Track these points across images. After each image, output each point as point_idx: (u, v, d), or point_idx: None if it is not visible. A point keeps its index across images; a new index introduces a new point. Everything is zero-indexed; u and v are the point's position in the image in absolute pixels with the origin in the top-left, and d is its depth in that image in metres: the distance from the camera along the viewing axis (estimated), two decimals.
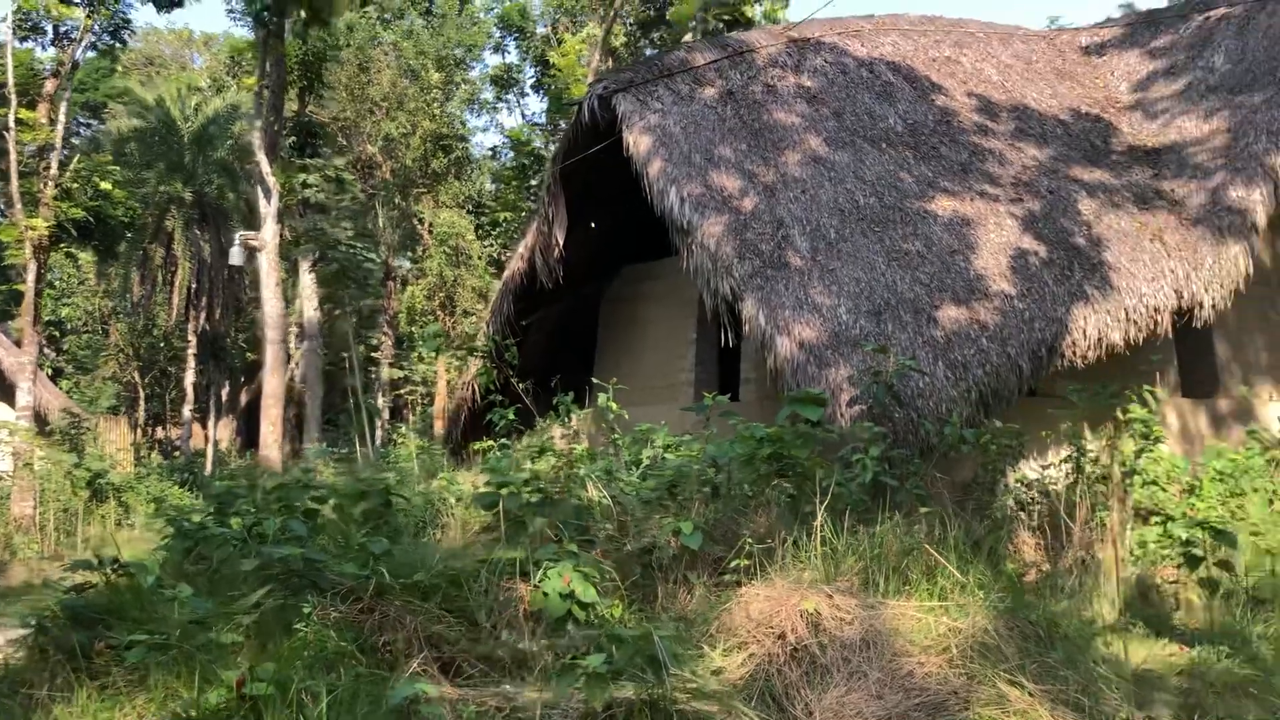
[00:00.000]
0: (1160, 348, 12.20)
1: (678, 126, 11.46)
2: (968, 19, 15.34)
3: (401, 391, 26.94)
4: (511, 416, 11.54)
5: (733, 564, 5.96)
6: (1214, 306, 11.15)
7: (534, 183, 26.47)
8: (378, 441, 25.37)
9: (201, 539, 6.72)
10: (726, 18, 24.03)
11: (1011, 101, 13.35)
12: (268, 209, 16.44)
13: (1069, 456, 8.83)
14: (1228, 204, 11.61)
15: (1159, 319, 10.88)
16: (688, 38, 22.93)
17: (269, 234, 16.40)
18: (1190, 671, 5.60)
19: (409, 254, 28.32)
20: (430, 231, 26.29)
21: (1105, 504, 8.41)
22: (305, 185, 19.27)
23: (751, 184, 11.00)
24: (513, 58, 33.29)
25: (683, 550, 6.40)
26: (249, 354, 36.86)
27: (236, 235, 18.47)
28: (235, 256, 17.78)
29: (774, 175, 11.16)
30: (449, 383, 27.40)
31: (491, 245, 31.75)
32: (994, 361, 9.75)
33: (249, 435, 40.07)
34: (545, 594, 5.41)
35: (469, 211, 29.26)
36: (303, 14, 15.34)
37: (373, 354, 31.70)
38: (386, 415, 30.78)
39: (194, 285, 28.02)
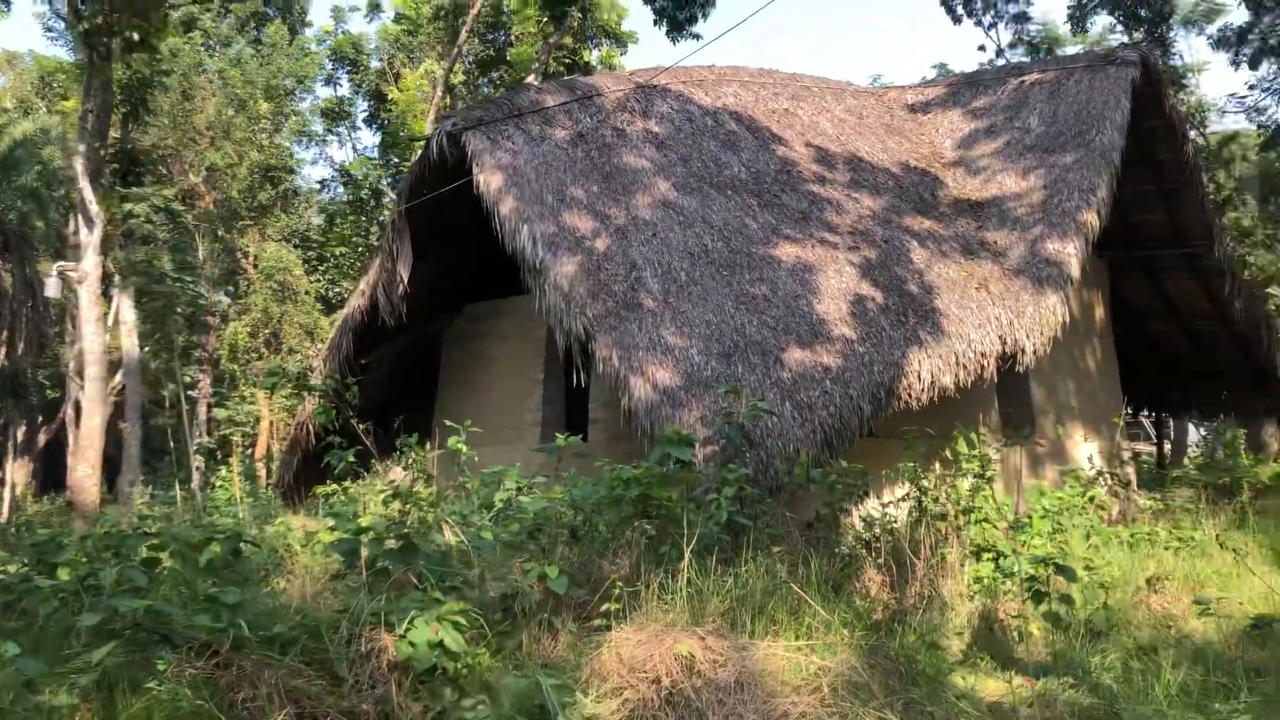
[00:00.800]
0: (983, 391, 12.89)
1: (529, 166, 11.44)
2: (802, 74, 15.95)
3: (227, 432, 25.70)
4: (352, 459, 11.17)
5: (602, 608, 5.89)
6: (1034, 352, 11.82)
7: (371, 217, 25.89)
8: (196, 484, 24.15)
9: (24, 592, 6.19)
10: (567, 60, 24.27)
11: (846, 153, 13.91)
12: (89, 239, 15.42)
13: (909, 495, 9.14)
14: (1045, 256, 12.37)
15: (985, 363, 11.45)
16: (531, 78, 23.00)
17: (90, 265, 15.37)
18: (1039, 703, 5.84)
19: (230, 288, 27.23)
20: (255, 266, 25.35)
21: (945, 541, 8.75)
22: (131, 215, 18.20)
23: (604, 225, 11.07)
24: (344, 91, 32.71)
25: (547, 595, 6.30)
26: (50, 391, 34.53)
27: (55, 266, 17.30)
28: (52, 288, 16.63)
29: (625, 217, 11.26)
30: (273, 424, 26.36)
31: (319, 281, 30.87)
32: (837, 403, 10.05)
33: (47, 477, 37.43)
34: (412, 644, 5.20)
35: (296, 246, 28.37)
36: (135, 36, 14.52)
37: (189, 392, 30.23)
38: (201, 459, 29.34)
39: None
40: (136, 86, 18.48)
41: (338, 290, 32.40)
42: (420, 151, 12.08)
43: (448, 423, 10.06)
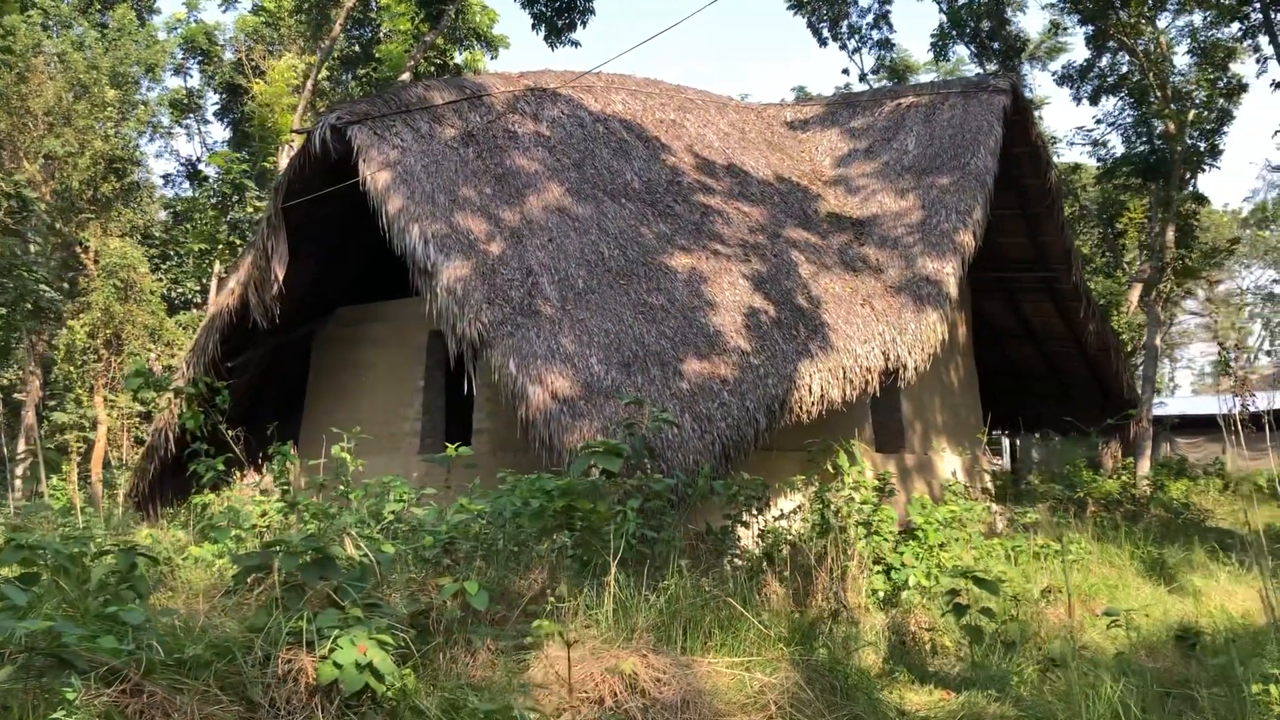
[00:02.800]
0: (859, 405, 13.11)
1: (419, 164, 11.02)
2: (685, 86, 15.96)
3: (66, 438, 23.98)
4: (221, 466, 10.54)
5: (532, 625, 5.60)
6: (915, 368, 12.06)
7: (227, 213, 24.65)
8: (19, 494, 22.41)
9: None
10: (437, 62, 23.71)
11: (731, 166, 13.96)
12: None
13: (811, 506, 9.14)
14: (925, 275, 12.67)
15: (870, 378, 11.62)
16: (405, 77, 22.35)
17: None
18: (964, 715, 5.85)
19: (65, 285, 25.47)
20: (96, 262, 23.78)
21: (845, 553, 8.78)
22: None
23: (498, 228, 10.75)
24: (195, 82, 31.15)
25: (466, 611, 5.97)
26: None
27: None
28: None
29: (520, 221, 10.97)
30: (110, 430, 24.79)
31: (161, 280, 29.24)
32: (735, 415, 10.00)
33: None
34: (337, 665, 4.82)
35: (141, 242, 26.77)
36: None
37: (14, 394, 28.14)
38: (21, 467, 27.30)
39: None
40: None
41: (181, 291, 30.80)
42: (301, 145, 11.50)
43: (337, 430, 9.58)
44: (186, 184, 33.60)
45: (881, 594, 8.82)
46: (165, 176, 36.02)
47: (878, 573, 9.14)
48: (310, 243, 12.50)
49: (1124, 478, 22.29)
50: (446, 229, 10.48)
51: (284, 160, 20.41)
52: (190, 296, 31.01)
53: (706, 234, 12.08)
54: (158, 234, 31.28)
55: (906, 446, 15.18)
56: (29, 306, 17.99)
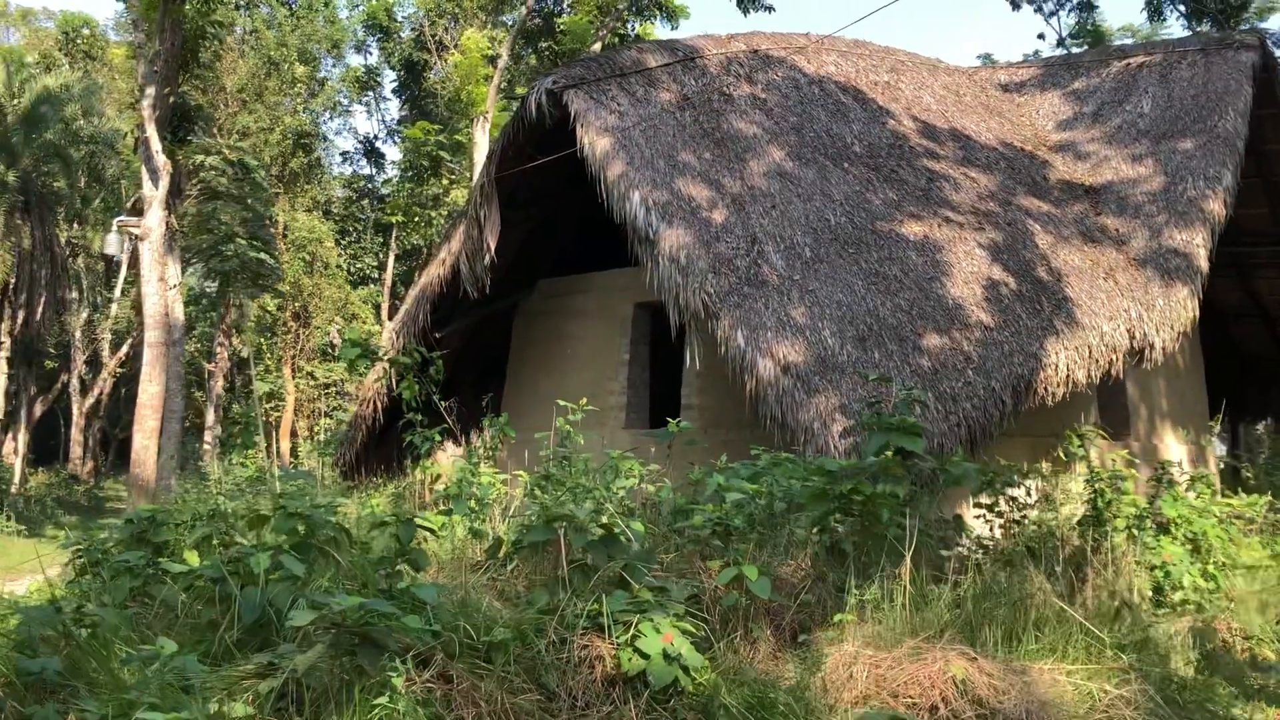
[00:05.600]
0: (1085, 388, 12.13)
1: (637, 129, 10.60)
2: (894, 47, 15.12)
3: (269, 407, 24.79)
4: (437, 437, 10.39)
5: (834, 619, 5.08)
6: (1163, 349, 11.05)
7: (433, 189, 24.92)
8: (210, 461, 23.17)
9: (150, 579, 5.39)
10: (619, 33, 23.39)
11: (952, 130, 13.10)
12: (154, 192, 14.35)
13: (1084, 495, 8.36)
14: (1172, 246, 11.59)
15: (1115, 358, 10.69)
16: (597, 47, 22.12)
17: (154, 220, 14.34)
18: None
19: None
20: (285, 236, 24.40)
21: (1113, 547, 7.98)
22: (205, 167, 17.22)
23: (719, 194, 10.24)
24: (374, 59, 31.68)
25: (749, 600, 5.49)
26: (49, 361, 33.42)
27: (114, 221, 16.30)
28: (111, 245, 15.65)
29: (741, 187, 10.44)
30: (298, 399, 25.50)
31: (342, 255, 29.95)
32: (980, 395, 9.27)
33: (40, 449, 36.26)
34: (645, 655, 4.40)
35: (326, 216, 27.45)
36: None
37: (207, 365, 29.29)
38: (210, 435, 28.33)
39: (12, 280, 24.98)
40: (189, 36, 17.52)
41: (359, 266, 31.48)
42: (516, 111, 11.22)
43: (562, 403, 9.25)
44: (364, 161, 34.38)
45: (1175, 594, 7.97)
46: (344, 154, 36.97)
47: (1160, 570, 8.30)
48: (518, 212, 12.26)
49: None
50: (668, 195, 10.02)
51: (479, 132, 20.42)
52: (368, 272, 31.70)
53: (936, 201, 11.31)
54: (336, 210, 32.07)
55: (1131, 433, 14.07)
56: (250, 277, 18.41)
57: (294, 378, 24.50)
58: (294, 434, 24.44)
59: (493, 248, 11.42)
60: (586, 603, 4.74)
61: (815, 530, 6.20)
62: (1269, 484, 16.71)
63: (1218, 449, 23.44)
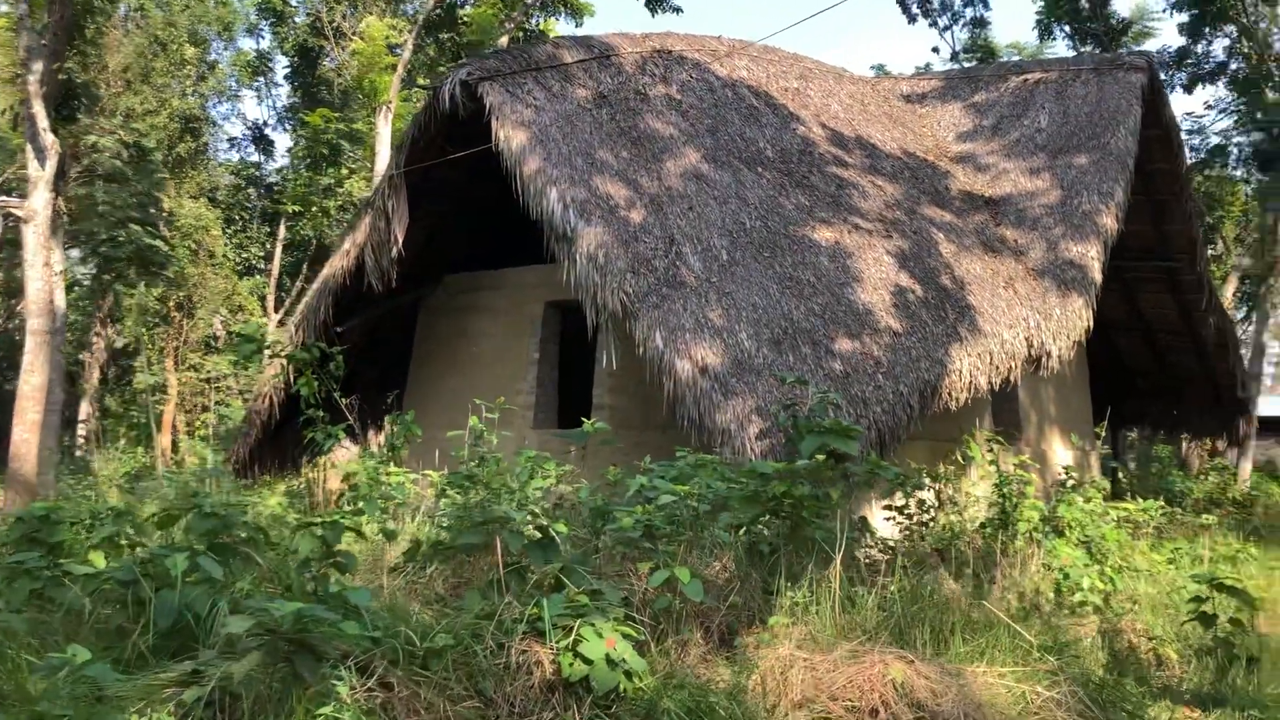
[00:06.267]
0: (982, 394, 12.45)
1: (553, 125, 10.47)
2: (802, 55, 15.29)
3: (154, 400, 23.75)
4: (341, 435, 10.10)
5: (771, 621, 5.07)
6: (1060, 356, 11.41)
7: (328, 179, 24.20)
8: (88, 457, 22.16)
9: (51, 581, 5.07)
10: (523, 28, 23.16)
11: (859, 138, 13.32)
12: (40, 173, 13.49)
13: (995, 499, 8.55)
14: (1069, 258, 12.00)
15: (1014, 365, 11.00)
16: (504, 41, 21.81)
17: (40, 203, 13.47)
18: None
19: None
20: (170, 223, 23.46)
21: (1014, 550, 8.20)
22: (96, 148, 16.23)
23: (637, 194, 10.18)
24: (266, 44, 30.73)
25: (682, 602, 5.44)
26: None
27: None
28: None
29: (659, 187, 10.40)
30: (180, 393, 24.56)
31: (228, 245, 28.98)
32: (889, 399, 9.42)
33: None
34: (587, 660, 4.30)
35: (212, 204, 26.49)
36: None
37: (85, 357, 27.98)
38: (85, 429, 27.05)
39: None
40: (76, 10, 16.54)
41: (246, 255, 30.51)
42: (428, 101, 10.97)
43: (477, 401, 9.07)
44: (252, 148, 33.32)
45: (1070, 596, 8.19)
46: (231, 140, 35.77)
47: (1057, 571, 8.54)
48: (424, 205, 11.99)
49: (1213, 479, 21.58)
50: (585, 193, 9.92)
51: (381, 122, 19.95)
52: (254, 262, 30.74)
53: (845, 208, 11.46)
54: (223, 197, 31.03)
55: (1023, 439, 14.51)
56: (142, 264, 17.52)
57: (177, 371, 23.57)
58: (174, 429, 23.52)
59: (400, 240, 11.16)
60: (526, 607, 4.63)
61: (739, 532, 6.19)
62: (1143, 488, 17.44)
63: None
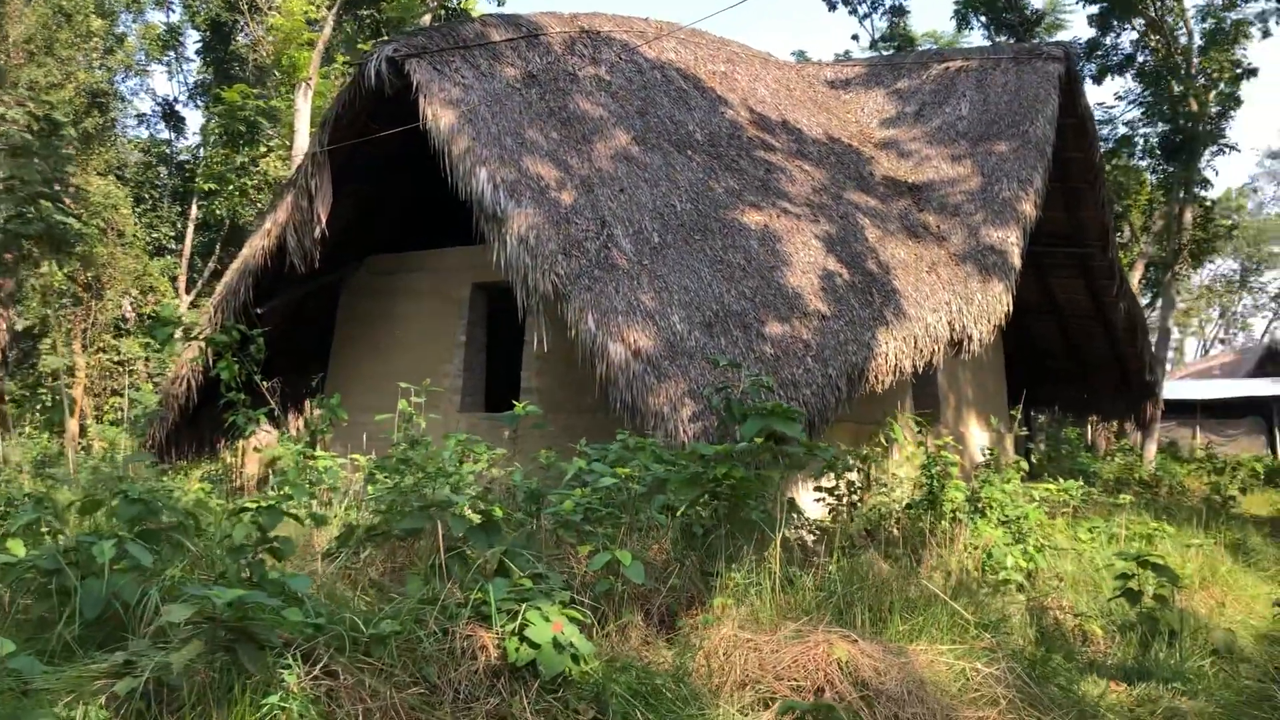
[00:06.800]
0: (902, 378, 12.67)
1: (482, 104, 10.32)
2: (729, 39, 15.32)
3: (60, 383, 22.87)
4: (263, 418, 9.90)
5: (713, 603, 5.08)
6: (981, 340, 11.63)
7: (244, 158, 23.48)
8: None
9: None
10: (448, 5, 22.81)
11: (785, 123, 13.39)
12: None
13: (920, 479, 8.69)
14: (990, 244, 12.22)
15: (937, 348, 11.18)
16: (426, 19, 21.42)
17: None
18: (1164, 711, 5.42)
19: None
20: (77, 200, 22.62)
21: (943, 529, 8.35)
22: (1, 119, 15.45)
23: (568, 175, 10.10)
24: (176, 17, 29.78)
25: (623, 585, 5.43)
26: None
27: None
28: None
29: (589, 169, 10.33)
30: (88, 376, 23.78)
31: (138, 224, 28.07)
32: (818, 382, 9.50)
33: None
34: (534, 644, 4.26)
35: (123, 182, 25.60)
36: None
37: None
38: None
39: None
40: None
41: (156, 235, 29.62)
42: (354, 78, 10.74)
43: (404, 385, 8.93)
44: (162, 125, 32.31)
45: (999, 574, 8.38)
46: (139, 116, 34.66)
47: (981, 550, 8.72)
48: (350, 185, 11.75)
49: (1120, 460, 22.28)
50: (515, 174, 9.81)
51: (300, 99, 19.47)
52: (165, 242, 29.86)
53: (774, 191, 11.52)
54: (132, 175, 30.07)
55: (941, 420, 14.80)
56: (52, 240, 16.80)
57: (84, 353, 22.81)
58: (82, 414, 22.76)
59: (324, 220, 10.93)
60: (470, 592, 4.57)
61: (675, 514, 6.20)
62: (1055, 469, 17.90)
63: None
